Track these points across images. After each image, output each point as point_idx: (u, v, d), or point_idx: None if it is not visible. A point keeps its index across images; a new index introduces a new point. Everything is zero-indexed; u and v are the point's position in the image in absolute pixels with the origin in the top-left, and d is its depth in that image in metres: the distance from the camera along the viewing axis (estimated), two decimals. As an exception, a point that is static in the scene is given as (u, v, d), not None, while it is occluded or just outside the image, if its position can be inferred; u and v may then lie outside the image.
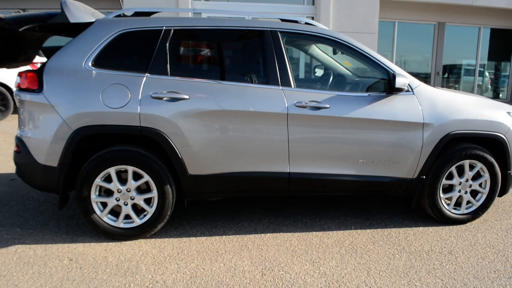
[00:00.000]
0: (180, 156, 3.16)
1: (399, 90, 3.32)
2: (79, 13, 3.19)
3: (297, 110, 3.22)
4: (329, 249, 3.21)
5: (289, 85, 3.28)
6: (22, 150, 3.21)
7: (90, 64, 3.15)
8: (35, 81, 3.12)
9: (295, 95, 3.25)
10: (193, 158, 3.17)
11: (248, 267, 2.90)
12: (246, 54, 3.56)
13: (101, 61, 3.17)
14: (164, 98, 3.11)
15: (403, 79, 3.30)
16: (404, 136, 3.42)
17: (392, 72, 3.41)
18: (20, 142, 3.22)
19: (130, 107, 3.08)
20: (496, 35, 15.02)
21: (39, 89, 3.11)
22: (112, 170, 3.14)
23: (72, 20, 3.14)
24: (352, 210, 4.02)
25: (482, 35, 14.83)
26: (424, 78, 14.84)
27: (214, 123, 3.16)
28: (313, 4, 11.55)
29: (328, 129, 3.29)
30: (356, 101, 3.36)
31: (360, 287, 2.69)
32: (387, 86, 3.44)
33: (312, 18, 11.54)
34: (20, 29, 3.08)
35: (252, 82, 3.28)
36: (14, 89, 8.33)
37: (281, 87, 3.26)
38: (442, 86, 14.78)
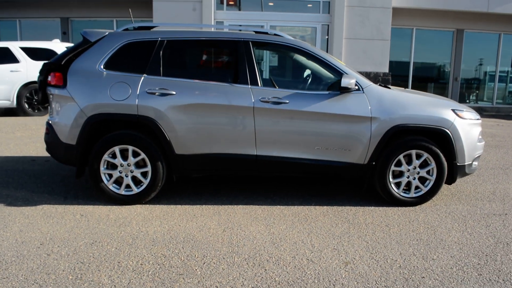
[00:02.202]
0: (168, 139, 4.02)
1: (346, 89, 4.04)
2: (95, 33, 4.18)
3: (262, 104, 4.02)
4: (285, 218, 3.96)
5: (257, 84, 4.08)
6: (50, 132, 4.18)
7: (102, 66, 4.08)
8: (61, 79, 4.09)
9: (261, 92, 4.05)
10: (179, 140, 4.03)
11: (214, 226, 3.71)
12: (223, 59, 4.40)
13: (110, 64, 4.10)
14: (156, 93, 3.99)
15: (348, 79, 4.01)
16: (354, 127, 4.12)
17: (342, 73, 4.13)
18: (49, 126, 4.20)
19: (130, 100, 3.98)
20: (518, 41, 15.12)
21: (64, 85, 4.07)
22: (116, 149, 4.04)
23: (93, 39, 4.12)
24: (319, 192, 4.74)
25: (503, 42, 14.96)
26: (443, 84, 15.13)
27: (195, 113, 4.00)
28: (329, 12, 12.25)
29: (287, 121, 4.06)
30: (313, 98, 4.10)
31: (297, 243, 3.44)
32: (340, 85, 4.16)
33: (328, 26, 12.23)
34: (62, 63, 4.10)
35: (227, 82, 4.11)
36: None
37: (249, 86, 4.07)
38: (461, 93, 15.02)
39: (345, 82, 3.99)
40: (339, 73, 4.20)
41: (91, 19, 14.35)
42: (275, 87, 4.23)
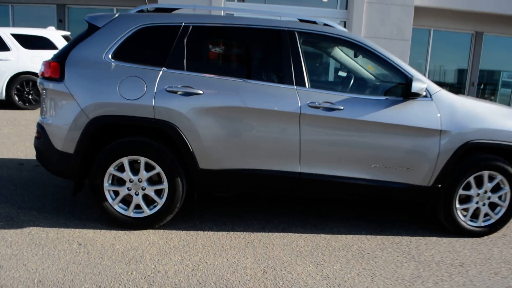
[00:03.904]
0: (191, 150, 3.20)
1: (416, 95, 3.25)
2: (103, 17, 3.34)
3: (310, 110, 3.20)
4: (335, 252, 3.17)
5: (304, 85, 3.26)
6: (41, 136, 3.33)
7: (110, 56, 3.25)
8: (58, 71, 3.24)
9: (309, 95, 3.24)
10: (204, 152, 3.21)
11: (251, 264, 2.90)
12: (262, 52, 3.57)
13: (120, 54, 3.26)
14: (179, 92, 3.17)
15: (420, 84, 3.22)
16: (420, 142, 3.34)
17: (410, 76, 3.34)
18: (40, 128, 3.35)
19: (145, 100, 3.15)
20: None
21: (61, 78, 3.23)
22: (125, 160, 3.21)
23: (101, 24, 3.28)
24: (365, 215, 3.95)
25: (523, 46, 14.26)
26: (458, 88, 14.42)
27: (226, 119, 3.19)
28: (346, 8, 11.45)
29: (341, 131, 3.26)
30: (371, 104, 3.31)
31: (361, 292, 2.65)
32: (404, 90, 3.37)
33: (345, 23, 11.44)
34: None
35: (266, 81, 3.29)
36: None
37: (295, 87, 3.25)
38: (478, 97, 14.32)
39: (416, 87, 3.19)
40: (403, 76, 3.40)
41: (90, 6, 13.40)
42: (325, 89, 3.40)
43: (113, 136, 3.32)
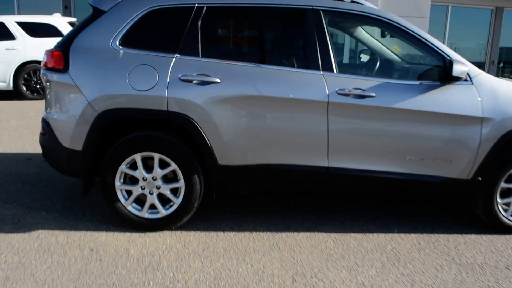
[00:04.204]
0: (209, 145, 2.92)
1: (457, 79, 2.92)
2: (107, 0, 3.05)
3: (339, 98, 2.89)
4: (368, 255, 2.89)
5: (331, 70, 2.95)
6: (47, 132, 3.08)
7: (117, 43, 2.96)
8: (61, 60, 2.96)
9: (337, 81, 2.92)
10: (223, 147, 2.93)
11: (278, 271, 2.64)
12: (283, 34, 3.24)
13: (129, 40, 2.97)
14: (194, 81, 2.87)
15: (461, 66, 2.89)
16: (460, 131, 3.02)
17: (449, 58, 3.00)
18: (45, 124, 3.10)
19: (157, 90, 2.87)
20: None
21: (65, 68, 2.95)
22: (137, 157, 2.95)
23: (107, 8, 2.99)
24: (395, 211, 3.66)
25: (546, 22, 13.65)
26: (478, 67, 13.88)
27: (247, 110, 2.89)
28: (360, -15, 10.95)
29: (373, 121, 2.95)
30: (406, 90, 2.98)
31: (403, 302, 2.38)
32: (442, 74, 3.03)
33: None
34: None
35: (290, 66, 2.98)
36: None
37: (322, 72, 2.94)
38: (498, 76, 13.79)
39: (458, 70, 2.86)
40: (441, 58, 3.06)
41: (95, -9, 13.05)
42: (354, 74, 3.08)
43: (124, 130, 3.06)
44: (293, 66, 2.99)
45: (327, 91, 2.89)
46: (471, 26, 13.49)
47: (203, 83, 2.87)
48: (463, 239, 3.21)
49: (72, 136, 2.95)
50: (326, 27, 3.00)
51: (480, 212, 3.28)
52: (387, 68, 3.63)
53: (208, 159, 2.96)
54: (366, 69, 3.90)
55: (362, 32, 3.98)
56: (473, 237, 3.25)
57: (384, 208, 3.69)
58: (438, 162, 3.08)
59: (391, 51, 4.12)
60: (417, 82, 3.04)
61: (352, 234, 3.19)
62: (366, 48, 4.19)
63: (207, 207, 3.55)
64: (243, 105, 2.88)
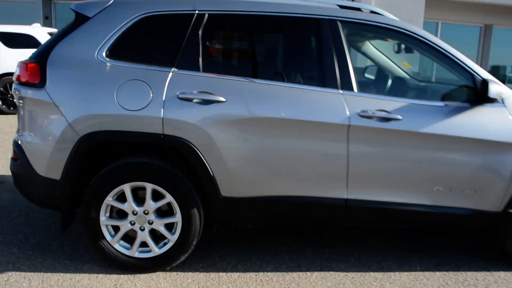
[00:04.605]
0: (212, 174, 2.52)
1: (492, 100, 2.60)
2: (93, 5, 2.65)
3: (362, 121, 2.53)
4: (394, 300, 2.51)
5: (351, 89, 2.59)
6: (19, 158, 2.64)
7: (104, 54, 2.55)
8: (37, 74, 2.54)
9: (358, 101, 2.56)
10: (228, 176, 2.53)
11: (295, 324, 2.23)
12: (297, 48, 2.88)
13: (117, 51, 2.57)
14: (195, 100, 2.48)
15: (497, 87, 2.58)
16: (492, 158, 2.69)
17: (481, 78, 2.68)
18: (17, 148, 2.65)
19: (151, 110, 2.46)
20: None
21: (41, 83, 2.53)
22: (126, 187, 2.53)
23: (92, 14, 2.59)
24: (412, 243, 3.29)
25: (533, 40, 13.74)
26: (466, 83, 13.85)
27: (256, 134, 2.51)
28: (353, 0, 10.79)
29: (400, 147, 2.59)
30: (432, 112, 2.65)
31: None
32: (471, 95, 2.72)
33: (350, 16, 10.79)
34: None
35: (305, 84, 2.61)
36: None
37: (341, 91, 2.58)
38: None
39: (494, 90, 2.54)
40: (471, 76, 2.73)
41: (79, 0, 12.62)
42: (376, 93, 2.74)
43: (111, 156, 2.63)
44: (308, 84, 2.62)
45: (348, 113, 2.53)
46: (460, 43, 13.47)
47: (205, 102, 2.48)
48: (492, 277, 2.86)
49: (49, 163, 2.51)
50: (345, 40, 2.65)
51: (510, 246, 2.95)
52: (405, 87, 3.31)
53: (210, 190, 2.55)
54: (388, 88, 3.56)
55: (370, 47, 3.67)
56: (502, 274, 2.90)
57: (400, 238, 3.32)
58: (467, 192, 2.74)
59: (400, 68, 3.81)
60: (442, 104, 2.71)
61: (372, 274, 2.80)
62: (372, 64, 3.87)
63: (203, 240, 3.12)
64: (252, 128, 2.49)
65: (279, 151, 2.53)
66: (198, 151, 2.47)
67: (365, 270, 2.84)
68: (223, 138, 2.48)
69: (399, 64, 3.89)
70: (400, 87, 3.29)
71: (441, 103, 2.72)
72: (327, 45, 2.63)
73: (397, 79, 3.49)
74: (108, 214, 2.59)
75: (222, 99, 2.49)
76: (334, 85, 2.58)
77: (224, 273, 2.71)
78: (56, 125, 2.48)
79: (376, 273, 2.82)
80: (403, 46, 3.33)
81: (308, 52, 2.81)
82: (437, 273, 2.86)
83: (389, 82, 3.46)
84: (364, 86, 3.04)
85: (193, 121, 2.46)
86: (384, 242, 3.27)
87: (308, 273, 2.77)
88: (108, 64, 2.54)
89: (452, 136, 2.61)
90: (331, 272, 2.79)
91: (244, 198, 2.58)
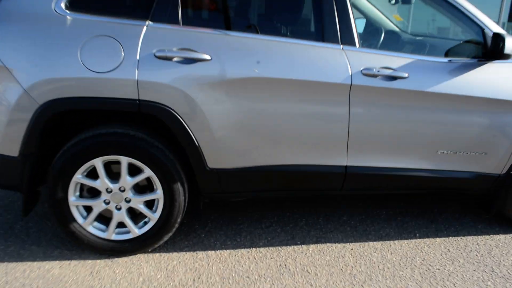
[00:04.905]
0: (197, 143, 2.20)
1: (507, 56, 2.37)
2: None
3: (365, 80, 2.26)
4: (398, 272, 2.35)
5: (353, 44, 2.29)
6: (-33, 131, 2.22)
7: (63, 6, 2.12)
8: (-19, 30, 2.09)
9: (361, 58, 2.27)
10: (215, 146, 2.23)
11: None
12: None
13: (79, 2, 2.14)
14: (175, 59, 2.11)
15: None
16: (500, 119, 2.50)
17: (494, 32, 2.42)
18: (-37, 120, 2.23)
19: (123, 71, 2.09)
20: None
21: (-13, 42, 2.08)
22: (98, 162, 2.18)
23: None
24: (407, 207, 3.15)
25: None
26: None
27: (246, 97, 2.19)
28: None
29: (404, 109, 2.35)
30: (437, 69, 2.40)
31: None
32: (480, 50, 2.48)
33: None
34: None
35: (301, 38, 2.28)
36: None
37: (341, 46, 2.27)
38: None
39: (510, 47, 2.31)
40: (480, 30, 2.48)
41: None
42: (379, 48, 2.45)
43: (77, 127, 2.26)
44: (305, 38, 2.29)
45: (350, 71, 2.24)
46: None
47: (187, 61, 2.12)
48: (493, 241, 2.75)
49: (3, 138, 2.12)
50: (345, -14, 2.31)
51: (510, 210, 2.84)
52: (403, 42, 3.03)
53: (195, 162, 2.25)
54: (390, 43, 3.25)
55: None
56: (502, 237, 2.81)
57: (393, 204, 3.16)
58: (472, 155, 2.56)
59: (391, 22, 3.52)
60: (446, 60, 2.46)
61: (371, 244, 2.63)
62: (361, 17, 3.56)
63: (188, 215, 2.85)
64: (242, 91, 2.17)
65: (273, 115, 2.23)
66: (180, 118, 2.14)
67: (363, 240, 2.67)
68: (208, 102, 2.15)
69: (390, 17, 3.61)
70: (398, 42, 3.02)
71: (445, 59, 2.47)
72: (326, -7, 2.28)
73: (392, 33, 3.21)
74: (78, 193, 2.25)
75: (207, 57, 2.13)
76: (334, 40, 2.27)
77: (213, 251, 2.46)
78: (9, 92, 2.07)
79: (375, 242, 2.65)
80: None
81: (304, 2, 2.46)
82: (438, 240, 2.73)
83: (383, 36, 3.17)
84: (367, 40, 2.75)
85: (173, 83, 2.11)
86: (376, 208, 3.11)
87: (304, 246, 2.57)
88: (68, 17, 2.11)
89: (462, 96, 2.38)
90: (328, 244, 2.60)
91: (234, 169, 2.30)
